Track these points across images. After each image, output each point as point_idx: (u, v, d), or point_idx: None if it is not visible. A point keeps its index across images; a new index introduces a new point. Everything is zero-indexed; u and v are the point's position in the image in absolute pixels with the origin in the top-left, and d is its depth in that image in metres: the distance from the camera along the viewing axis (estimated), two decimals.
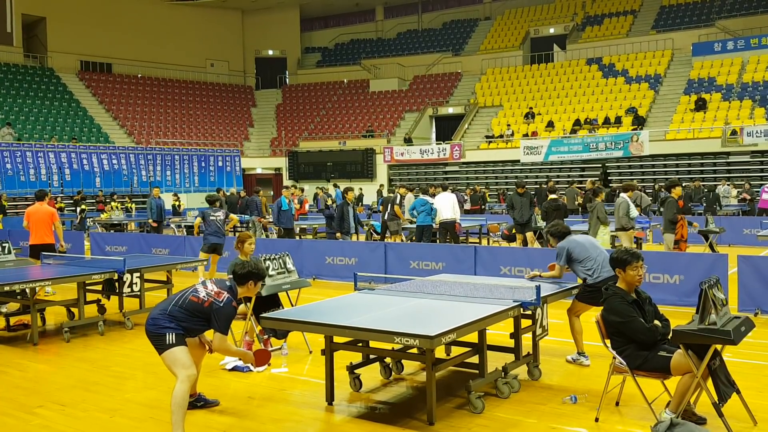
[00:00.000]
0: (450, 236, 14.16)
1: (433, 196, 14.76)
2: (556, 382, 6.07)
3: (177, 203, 23.55)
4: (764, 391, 5.71)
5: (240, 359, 5.67)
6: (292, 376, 6.49)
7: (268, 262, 7.07)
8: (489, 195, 26.73)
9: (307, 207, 20.14)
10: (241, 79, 43.69)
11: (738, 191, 22.87)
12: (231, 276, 5.22)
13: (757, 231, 14.46)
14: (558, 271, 6.73)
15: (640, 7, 37.17)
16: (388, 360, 6.23)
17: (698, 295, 4.59)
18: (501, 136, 31.38)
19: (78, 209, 22.56)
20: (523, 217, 14.03)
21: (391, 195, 17.20)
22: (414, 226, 14.42)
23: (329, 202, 15.05)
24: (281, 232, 14.58)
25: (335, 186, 28.45)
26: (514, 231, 14.57)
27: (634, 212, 11.71)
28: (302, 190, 21.71)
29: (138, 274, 8.87)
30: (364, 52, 43.41)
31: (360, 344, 5.78)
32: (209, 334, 5.16)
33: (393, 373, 6.33)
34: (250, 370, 6.57)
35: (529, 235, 14.13)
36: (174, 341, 4.82)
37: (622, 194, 11.93)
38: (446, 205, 14.12)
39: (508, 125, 31.73)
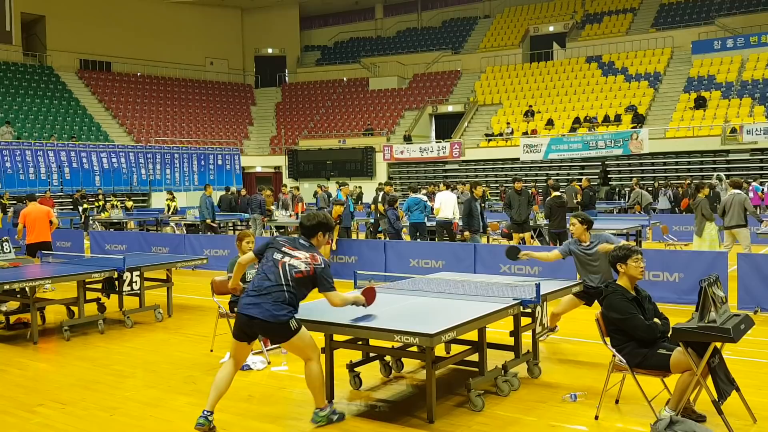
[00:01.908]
0: (447, 235, 14.00)
1: (433, 194, 14.64)
2: (556, 380, 6.07)
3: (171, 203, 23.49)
4: (764, 389, 5.71)
5: (354, 302, 5.19)
6: (292, 375, 6.49)
7: None
8: (490, 193, 26.68)
9: (304, 206, 20.06)
10: (241, 77, 43.67)
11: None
12: (300, 234, 5.13)
13: (756, 229, 14.45)
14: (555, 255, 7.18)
15: (639, 5, 37.16)
16: (387, 358, 6.23)
17: (698, 293, 4.59)
18: (501, 135, 31.38)
19: (80, 208, 22.52)
20: (521, 216, 13.71)
21: (379, 194, 17.12)
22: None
23: (396, 206, 14.22)
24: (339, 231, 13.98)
25: (337, 184, 28.42)
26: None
27: (751, 208, 11.45)
28: (297, 188, 21.53)
29: (138, 273, 8.87)
30: (363, 50, 43.39)
31: (360, 342, 5.78)
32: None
33: (393, 371, 6.33)
34: (250, 368, 6.57)
35: (527, 235, 13.98)
36: (298, 325, 4.84)
37: (736, 190, 11.44)
38: (449, 204, 14.00)
39: (508, 123, 31.72)
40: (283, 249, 4.94)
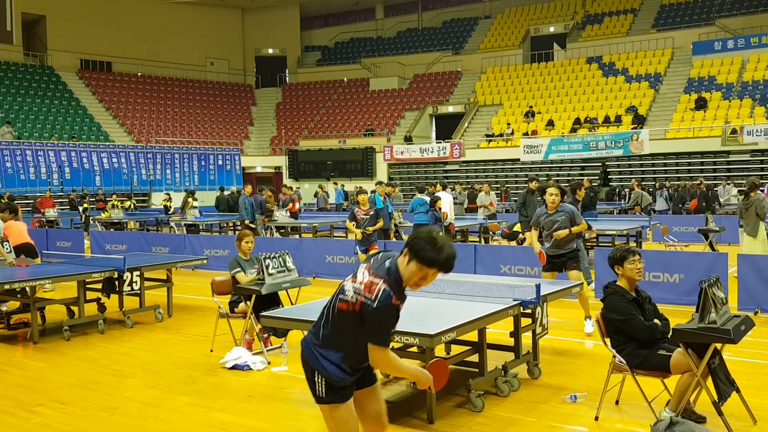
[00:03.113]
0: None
1: (432, 194, 14.61)
2: (556, 381, 6.07)
3: (168, 203, 23.53)
4: (764, 390, 5.71)
5: (409, 379, 3.84)
6: (292, 375, 6.49)
7: (267, 261, 7.07)
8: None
9: (297, 206, 20.05)
10: (241, 77, 43.68)
11: (739, 190, 22.87)
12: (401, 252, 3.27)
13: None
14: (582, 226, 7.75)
15: (640, 6, 37.16)
16: None
17: (698, 294, 4.59)
18: (501, 135, 31.38)
19: (80, 208, 22.43)
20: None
21: (371, 194, 17.05)
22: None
23: (439, 206, 13.31)
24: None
25: (335, 185, 28.46)
26: (516, 229, 14.39)
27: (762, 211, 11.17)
28: (291, 188, 21.50)
29: (138, 273, 8.87)
30: (364, 50, 43.39)
31: None
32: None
33: None
34: (250, 369, 6.57)
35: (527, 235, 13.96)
36: (325, 394, 3.27)
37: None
38: (445, 204, 13.98)
39: (508, 124, 31.72)
40: (359, 270, 3.32)
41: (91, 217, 21.91)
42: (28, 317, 8.30)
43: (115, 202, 23.38)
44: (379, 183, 14.39)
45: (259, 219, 17.35)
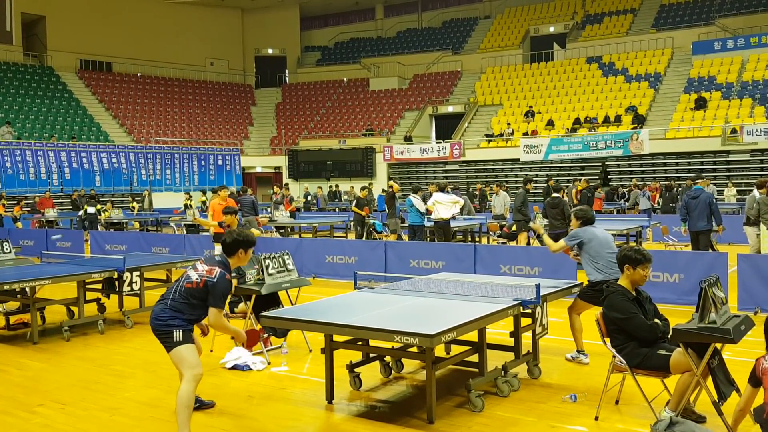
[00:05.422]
0: (444, 236, 13.92)
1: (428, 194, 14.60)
2: (556, 381, 6.07)
3: (189, 202, 23.58)
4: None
5: (234, 338, 5.50)
6: (292, 375, 6.50)
7: (267, 261, 7.07)
8: (489, 193, 26.56)
9: (287, 204, 20.04)
10: (241, 77, 43.67)
11: (737, 190, 22.89)
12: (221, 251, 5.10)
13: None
14: (559, 246, 6.76)
15: (640, 6, 37.15)
16: (387, 359, 6.23)
17: (698, 294, 4.59)
18: (501, 135, 31.37)
19: (95, 209, 21.96)
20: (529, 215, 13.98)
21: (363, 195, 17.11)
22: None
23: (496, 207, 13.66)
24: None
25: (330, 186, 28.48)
26: (515, 228, 14.43)
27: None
28: (287, 188, 21.46)
29: (138, 273, 8.87)
30: (363, 50, 43.39)
31: (360, 343, 5.78)
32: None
33: (393, 371, 6.34)
34: (250, 369, 6.57)
35: (523, 236, 14.02)
36: (181, 339, 4.75)
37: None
38: (445, 204, 13.97)
39: (508, 124, 31.71)
40: (196, 263, 5.03)
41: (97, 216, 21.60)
42: (28, 317, 8.30)
43: (109, 208, 23.14)
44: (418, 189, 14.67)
45: (252, 220, 17.33)
